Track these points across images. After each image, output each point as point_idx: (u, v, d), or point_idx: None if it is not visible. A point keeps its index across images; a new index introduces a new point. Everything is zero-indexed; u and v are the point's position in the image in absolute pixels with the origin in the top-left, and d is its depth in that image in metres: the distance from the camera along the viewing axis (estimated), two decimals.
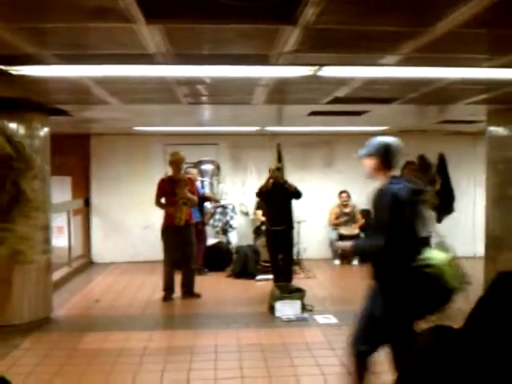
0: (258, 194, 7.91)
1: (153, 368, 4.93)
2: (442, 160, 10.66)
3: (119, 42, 3.65)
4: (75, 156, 10.38)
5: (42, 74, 4.49)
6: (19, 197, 0.93)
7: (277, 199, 7.55)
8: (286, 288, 6.97)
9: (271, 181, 7.60)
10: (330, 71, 4.34)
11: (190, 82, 5.11)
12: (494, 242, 6.99)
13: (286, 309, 6.60)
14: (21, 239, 0.92)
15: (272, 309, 6.67)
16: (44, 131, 6.41)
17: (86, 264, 10.25)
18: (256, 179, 10.43)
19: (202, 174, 9.94)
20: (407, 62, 4.14)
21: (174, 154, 7.60)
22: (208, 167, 10.28)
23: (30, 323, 6.11)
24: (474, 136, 10.58)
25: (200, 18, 3.16)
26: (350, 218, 10.36)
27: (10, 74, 4.35)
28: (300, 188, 7.65)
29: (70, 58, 4.07)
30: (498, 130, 6.96)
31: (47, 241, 6.20)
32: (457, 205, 10.57)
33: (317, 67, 4.22)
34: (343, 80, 4.95)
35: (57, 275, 8.11)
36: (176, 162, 7.51)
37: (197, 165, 9.90)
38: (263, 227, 9.23)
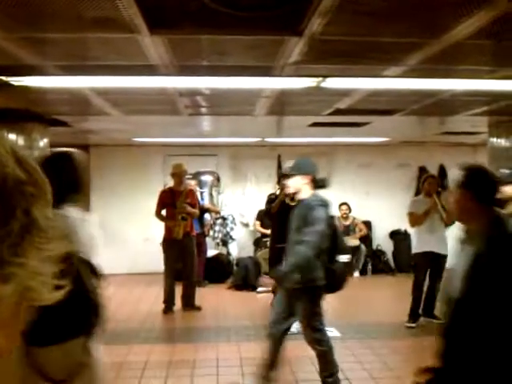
0: (269, 216, 7.87)
1: (154, 382, 4.85)
2: (442, 171, 10.69)
3: (122, 52, 3.62)
4: None
5: (43, 85, 4.46)
6: (31, 227, 0.82)
7: (282, 217, 7.48)
8: None
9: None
10: (333, 82, 4.32)
11: (192, 93, 5.09)
12: None
13: None
14: (32, 274, 0.81)
15: None
16: (43, 142, 6.38)
17: None
18: (256, 190, 10.39)
19: (200, 185, 9.88)
20: (411, 73, 4.12)
21: (176, 166, 7.51)
22: (207, 178, 10.22)
23: None
24: (475, 147, 10.56)
25: (204, 29, 3.14)
26: (348, 230, 10.24)
27: (11, 85, 4.31)
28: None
29: (71, 68, 4.04)
30: (500, 142, 6.95)
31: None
32: None
33: (320, 78, 4.19)
34: (346, 91, 4.94)
35: None
36: (178, 174, 7.42)
37: (195, 176, 9.84)
38: (264, 239, 9.22)
